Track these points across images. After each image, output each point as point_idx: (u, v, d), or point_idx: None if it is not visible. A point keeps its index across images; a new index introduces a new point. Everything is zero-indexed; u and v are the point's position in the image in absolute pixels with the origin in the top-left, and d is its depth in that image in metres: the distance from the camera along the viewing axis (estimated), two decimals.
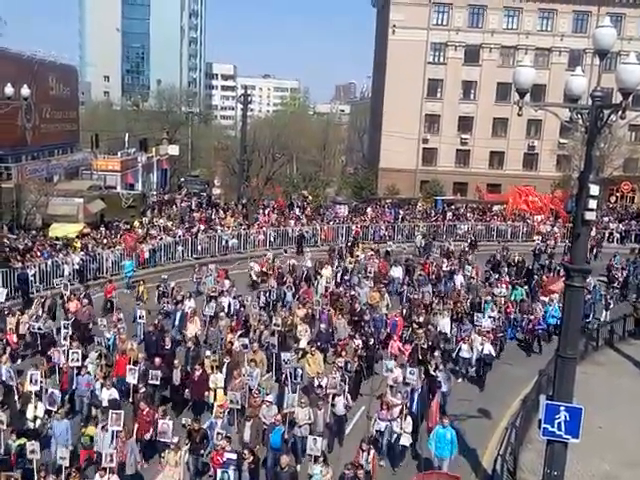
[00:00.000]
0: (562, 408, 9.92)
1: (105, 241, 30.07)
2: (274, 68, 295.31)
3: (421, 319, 20.73)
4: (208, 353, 17.31)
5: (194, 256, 31.95)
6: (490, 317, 21.14)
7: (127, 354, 16.62)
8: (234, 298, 22.40)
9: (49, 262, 26.13)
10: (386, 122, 55.68)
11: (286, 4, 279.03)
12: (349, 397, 15.17)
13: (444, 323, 20.81)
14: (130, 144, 54.20)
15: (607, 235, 40.17)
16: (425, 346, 18.45)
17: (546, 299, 23.42)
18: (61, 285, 23.34)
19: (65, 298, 22.18)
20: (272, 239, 35.37)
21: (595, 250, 35.83)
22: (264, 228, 35.90)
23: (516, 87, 9.61)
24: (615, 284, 28.43)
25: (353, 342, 18.29)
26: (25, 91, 26.18)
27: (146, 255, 29.85)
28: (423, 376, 16.03)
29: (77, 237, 30.35)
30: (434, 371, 16.38)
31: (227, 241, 33.55)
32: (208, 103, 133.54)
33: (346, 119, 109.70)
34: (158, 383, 15.38)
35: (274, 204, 45.04)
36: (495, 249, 34.22)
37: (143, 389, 14.82)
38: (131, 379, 15.18)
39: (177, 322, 20.63)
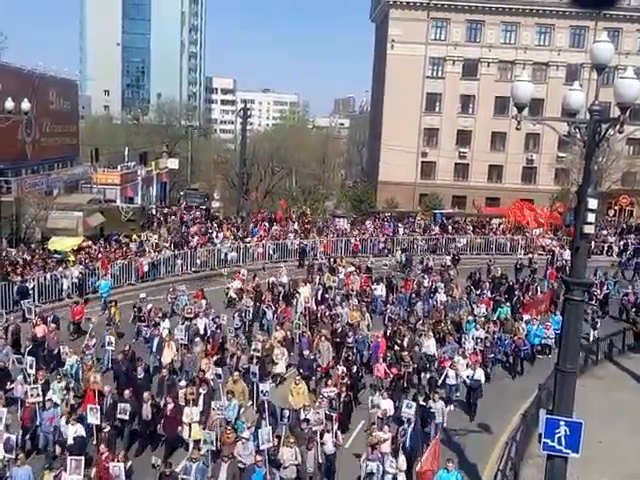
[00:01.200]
0: (562, 422, 9.87)
1: (99, 255, 29.59)
2: (273, 82, 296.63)
3: (405, 340, 19.82)
4: (183, 383, 16.12)
5: (193, 269, 31.94)
6: (477, 338, 20.28)
7: (92, 387, 15.16)
8: (211, 320, 21.28)
9: (48, 276, 26.13)
10: (385, 136, 55.90)
11: (285, 19, 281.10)
12: (339, 434, 14.01)
13: (429, 344, 19.79)
14: (130, 158, 54.31)
15: (606, 248, 40.20)
16: (411, 369, 17.74)
17: (528, 317, 22.77)
18: (25, 308, 21.89)
19: (33, 322, 20.66)
20: (271, 252, 35.36)
21: None
22: (263, 241, 35.90)
23: (514, 101, 9.66)
24: (593, 301, 26.85)
25: (337, 369, 17.28)
26: (25, 105, 26.32)
27: (145, 269, 29.87)
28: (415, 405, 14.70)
29: (72, 251, 30.15)
30: (425, 400, 15.26)
31: (226, 254, 33.54)
32: (208, 117, 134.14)
33: (345, 133, 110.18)
34: (127, 418, 14.16)
35: (273, 216, 45.08)
36: (488, 263, 33.13)
37: (107, 428, 13.63)
38: (93, 419, 13.67)
39: (155, 348, 19.21)
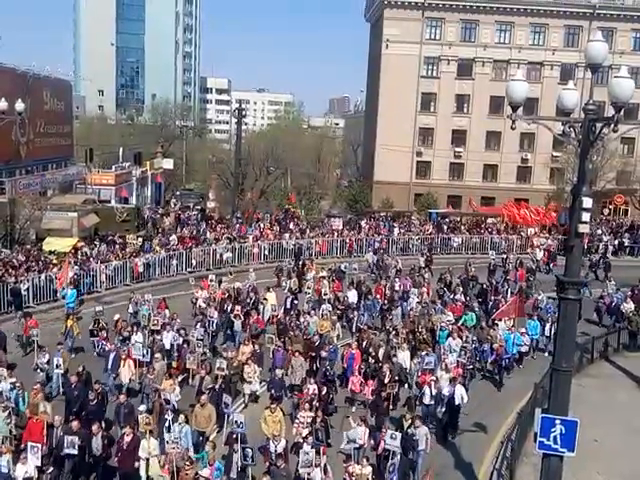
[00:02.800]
0: (558, 421, 9.88)
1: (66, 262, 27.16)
2: (268, 82, 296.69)
3: (380, 352, 18.63)
4: (142, 408, 14.11)
5: (188, 270, 31.90)
6: (460, 348, 18.99)
7: (39, 417, 13.26)
8: (176, 332, 19.53)
9: (42, 277, 26.04)
10: (380, 135, 55.91)
11: (280, 19, 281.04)
12: (329, 469, 12.66)
13: (404, 357, 18.40)
14: (124, 158, 54.17)
15: (601, 247, 40.26)
16: (395, 390, 16.26)
17: (503, 325, 21.63)
18: None
19: None
20: (267, 252, 35.31)
21: (550, 263, 34.90)
22: (259, 241, 35.87)
23: (509, 101, 9.66)
24: (602, 316, 25.81)
25: (307, 387, 15.89)
26: (19, 106, 26.23)
27: (140, 269, 29.82)
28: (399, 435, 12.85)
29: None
30: (410, 427, 13.68)
31: (221, 254, 33.49)
32: (203, 117, 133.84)
33: (340, 132, 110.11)
34: (76, 452, 12.27)
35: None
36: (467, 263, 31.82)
37: (50, 469, 12.13)
38: (34, 460, 11.79)
39: (110, 366, 17.25)
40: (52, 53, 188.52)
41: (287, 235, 37.63)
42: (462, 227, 43.82)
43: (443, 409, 16.15)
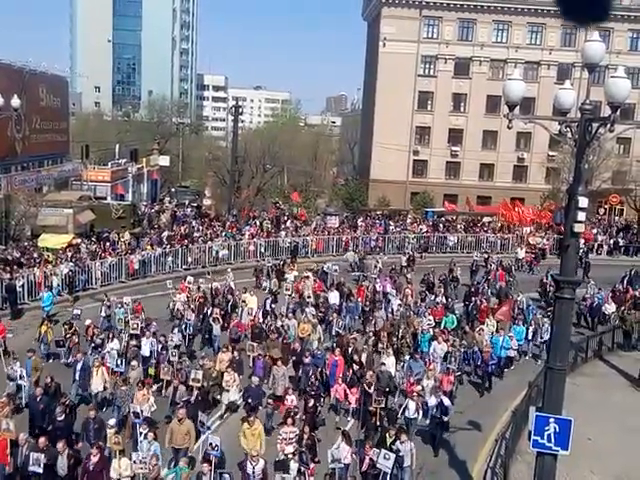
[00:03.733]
0: (552, 420, 9.91)
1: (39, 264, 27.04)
2: (265, 80, 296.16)
3: (363, 357, 17.83)
4: (112, 422, 13.12)
5: (184, 267, 31.86)
6: (447, 354, 18.35)
7: (2, 435, 12.36)
8: (154, 337, 18.47)
9: (37, 273, 25.97)
10: (377, 134, 55.90)
11: (278, 16, 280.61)
12: None
13: (389, 363, 17.45)
14: (121, 155, 54.12)
15: (596, 247, 40.40)
16: (384, 404, 15.31)
17: (488, 327, 21.05)
18: None
19: None
20: (263, 250, 35.31)
21: (532, 264, 34.70)
22: (254, 239, 35.85)
23: (506, 100, 9.66)
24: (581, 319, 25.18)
25: (286, 399, 15.21)
26: (15, 102, 26.16)
27: (136, 266, 29.77)
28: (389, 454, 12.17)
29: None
30: (394, 443, 12.95)
31: (217, 252, 33.45)
32: (199, 114, 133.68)
33: (337, 131, 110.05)
34: (41, 471, 11.57)
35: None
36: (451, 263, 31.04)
37: None
38: None
39: (78, 377, 16.10)
40: (48, 49, 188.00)
41: (283, 233, 37.61)
42: (458, 226, 43.88)
43: (428, 421, 15.44)
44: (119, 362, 16.80)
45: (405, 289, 25.49)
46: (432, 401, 15.21)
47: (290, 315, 21.40)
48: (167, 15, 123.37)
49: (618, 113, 9.07)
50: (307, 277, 26.31)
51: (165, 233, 35.90)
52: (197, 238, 35.16)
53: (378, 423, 15.14)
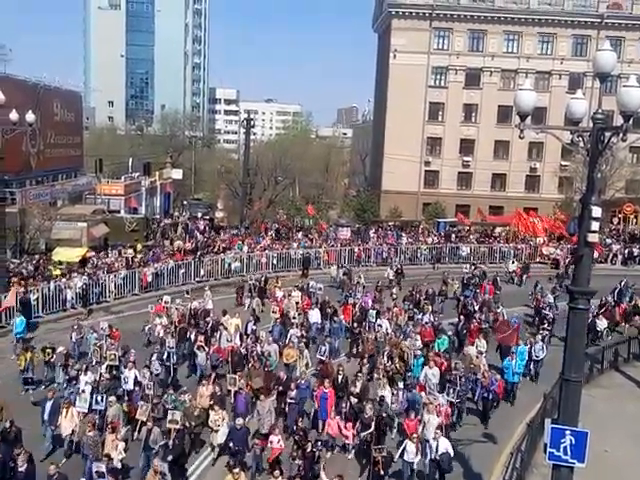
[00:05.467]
0: (568, 432, 9.80)
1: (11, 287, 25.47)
2: (277, 92, 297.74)
3: (358, 386, 15.99)
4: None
5: (197, 279, 31.94)
6: (448, 381, 16.49)
7: None
8: (134, 366, 16.51)
9: (52, 286, 26.15)
10: (388, 145, 55.95)
11: (288, 30, 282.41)
12: None
13: (385, 395, 15.77)
14: (134, 168, 54.49)
15: (610, 257, 40.06)
16: (385, 452, 13.62)
17: (477, 349, 19.53)
18: None
19: None
20: (275, 262, 35.31)
21: (524, 275, 33.73)
22: (266, 251, 35.89)
23: (517, 110, 9.65)
24: (546, 325, 23.49)
25: (270, 441, 13.70)
26: (30, 117, 26.40)
27: (149, 279, 29.91)
28: None
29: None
30: None
31: (229, 264, 33.51)
32: (211, 127, 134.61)
33: (348, 142, 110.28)
34: None
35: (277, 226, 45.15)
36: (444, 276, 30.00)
37: None
38: None
39: (47, 416, 14.57)
40: (62, 64, 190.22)
41: (295, 245, 37.63)
42: (470, 236, 43.72)
43: (427, 460, 13.81)
44: (98, 399, 14.83)
45: (394, 307, 23.60)
46: (434, 444, 13.53)
47: (270, 339, 19.49)
48: (179, 30, 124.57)
49: (631, 122, 9.04)
50: (290, 295, 24.63)
51: (178, 243, 36.00)
52: (209, 250, 35.28)
53: (382, 472, 13.43)
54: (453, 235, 43.71)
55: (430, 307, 23.66)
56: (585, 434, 9.81)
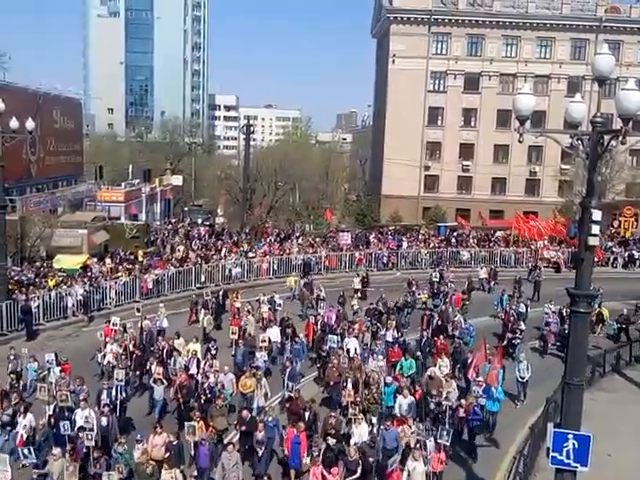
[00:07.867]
0: (570, 436, 9.78)
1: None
2: (276, 98, 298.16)
3: (333, 423, 13.80)
4: None
5: (197, 285, 31.90)
6: (437, 414, 14.56)
7: None
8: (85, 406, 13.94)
9: (52, 294, 26.12)
10: (388, 150, 56.01)
11: (287, 35, 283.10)
12: None
13: (361, 433, 13.77)
14: (134, 175, 54.59)
15: (611, 260, 40.04)
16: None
17: (441, 369, 17.33)
18: None
19: None
20: (275, 267, 35.27)
21: (492, 282, 32.68)
22: (267, 256, 35.86)
23: (516, 114, 9.68)
24: (518, 334, 21.85)
25: None
26: (30, 124, 26.43)
27: (150, 285, 29.87)
28: None
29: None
30: None
31: (230, 270, 33.46)
32: (211, 133, 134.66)
33: (348, 147, 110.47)
34: None
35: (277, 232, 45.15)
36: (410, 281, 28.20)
37: None
38: None
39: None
40: (62, 72, 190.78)
41: (295, 250, 37.60)
42: (471, 240, 43.68)
43: None
44: (28, 452, 12.09)
45: (354, 323, 20.81)
46: None
47: (226, 368, 16.69)
48: (178, 37, 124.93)
49: (630, 125, 9.06)
50: (249, 311, 22.10)
51: (179, 248, 35.98)
52: (210, 256, 35.24)
53: None
54: (453, 239, 43.65)
55: (394, 322, 20.80)
56: (588, 438, 9.79)
